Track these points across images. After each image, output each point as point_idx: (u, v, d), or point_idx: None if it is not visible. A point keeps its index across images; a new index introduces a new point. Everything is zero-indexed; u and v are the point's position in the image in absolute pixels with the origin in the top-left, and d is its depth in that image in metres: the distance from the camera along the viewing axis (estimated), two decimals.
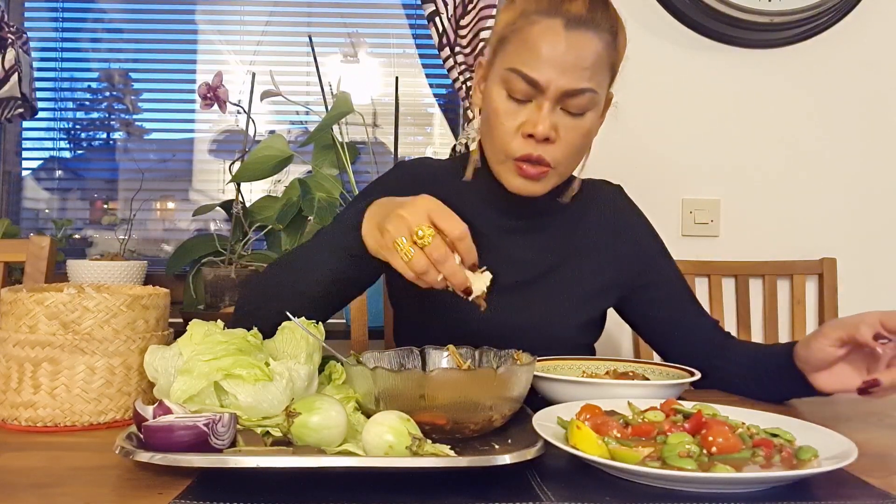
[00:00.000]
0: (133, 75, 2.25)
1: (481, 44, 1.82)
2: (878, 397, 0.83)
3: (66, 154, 2.25)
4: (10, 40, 1.87)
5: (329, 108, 1.91)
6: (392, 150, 2.04)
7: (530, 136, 0.98)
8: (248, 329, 0.82)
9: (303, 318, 0.83)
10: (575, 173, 1.13)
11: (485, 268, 0.83)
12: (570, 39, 0.96)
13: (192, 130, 2.23)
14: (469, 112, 1.92)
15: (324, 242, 0.98)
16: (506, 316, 1.08)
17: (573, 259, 1.13)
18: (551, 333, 1.09)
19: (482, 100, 1.07)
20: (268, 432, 0.72)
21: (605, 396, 0.82)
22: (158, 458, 0.61)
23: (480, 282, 0.83)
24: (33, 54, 2.00)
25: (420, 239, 0.78)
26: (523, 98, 0.99)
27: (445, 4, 1.85)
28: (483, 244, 1.10)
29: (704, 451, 0.65)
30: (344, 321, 1.88)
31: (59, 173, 2.24)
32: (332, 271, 0.95)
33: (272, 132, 2.13)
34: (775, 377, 1.00)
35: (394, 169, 1.20)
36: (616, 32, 1.01)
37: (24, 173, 2.23)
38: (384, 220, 0.82)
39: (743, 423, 0.71)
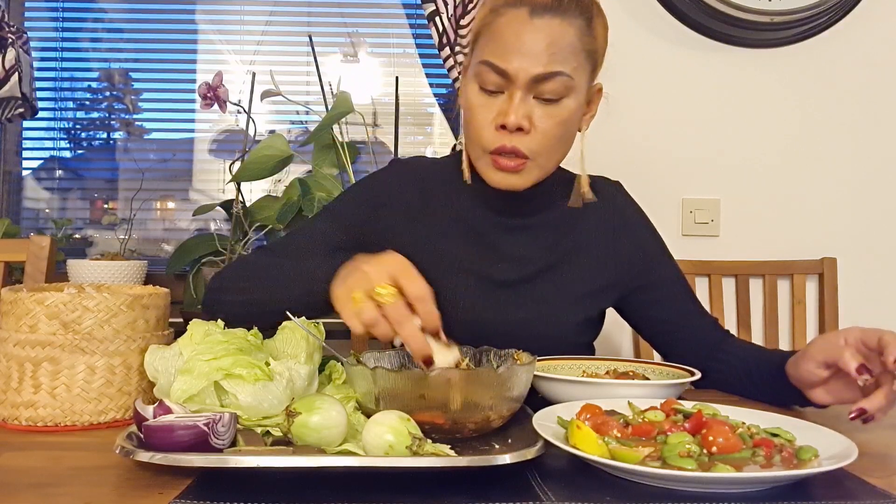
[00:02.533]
0: (133, 75, 2.25)
1: None
2: (871, 423, 0.82)
3: (67, 154, 2.25)
4: (10, 40, 1.87)
5: (329, 107, 1.91)
6: (392, 149, 2.04)
7: (503, 127, 0.97)
8: (214, 312, 0.81)
9: (303, 317, 0.84)
10: (577, 172, 1.14)
11: (455, 345, 0.77)
12: (536, 26, 0.96)
13: (192, 130, 2.23)
14: None
15: (300, 275, 0.97)
16: (502, 314, 1.08)
17: (572, 258, 1.12)
18: (549, 332, 1.09)
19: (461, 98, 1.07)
20: (268, 432, 0.73)
21: (605, 396, 0.82)
22: (158, 458, 0.61)
23: (446, 356, 0.76)
24: (33, 54, 2.00)
25: (379, 297, 0.75)
26: (495, 90, 0.99)
27: (445, 4, 1.86)
28: (480, 242, 1.11)
29: (704, 451, 0.65)
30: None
31: (59, 173, 2.24)
32: (300, 303, 0.93)
33: (272, 132, 2.13)
34: (771, 385, 0.99)
35: (388, 166, 1.19)
36: (591, 18, 1.00)
37: (25, 173, 2.23)
38: (347, 274, 0.82)
39: (743, 423, 0.71)
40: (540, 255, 1.11)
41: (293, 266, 1.01)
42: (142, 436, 0.66)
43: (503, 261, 1.10)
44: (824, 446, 0.67)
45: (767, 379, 1.00)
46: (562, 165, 1.15)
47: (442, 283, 1.10)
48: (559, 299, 1.10)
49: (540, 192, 1.08)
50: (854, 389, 0.86)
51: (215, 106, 1.82)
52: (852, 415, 0.80)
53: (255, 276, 1.04)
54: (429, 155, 2.22)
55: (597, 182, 1.18)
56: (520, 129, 0.97)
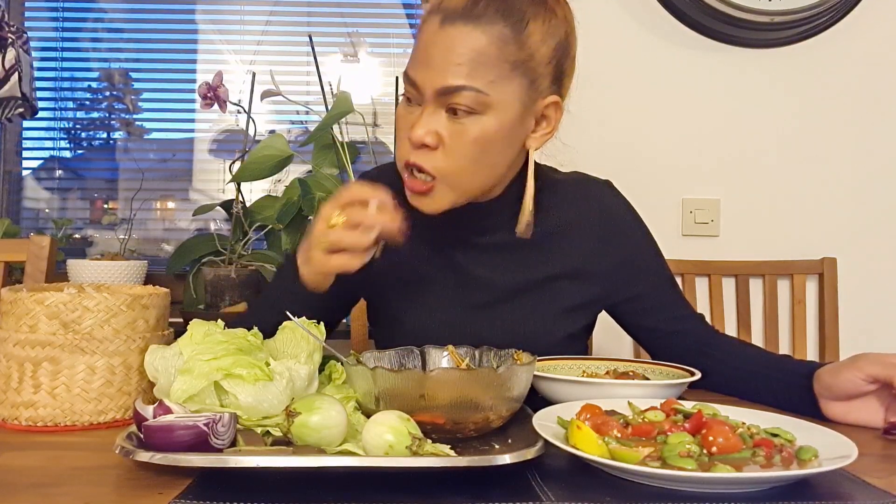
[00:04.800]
0: (133, 75, 2.25)
1: None
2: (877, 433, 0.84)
3: (67, 154, 2.25)
4: (10, 40, 1.87)
5: (329, 107, 1.91)
6: (392, 149, 2.04)
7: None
8: None
9: (303, 318, 0.83)
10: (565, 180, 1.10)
11: None
12: (446, 35, 0.89)
13: (192, 130, 2.23)
14: None
15: (275, 301, 1.01)
16: (478, 338, 1.00)
17: (552, 275, 1.06)
18: (532, 350, 1.05)
19: None
20: (268, 432, 0.73)
21: (605, 396, 0.82)
22: (158, 458, 0.61)
23: None
24: (33, 54, 2.00)
25: (336, 223, 0.84)
26: (414, 101, 0.94)
27: None
28: (450, 263, 1.06)
29: (704, 451, 0.65)
30: (344, 321, 1.88)
31: (59, 173, 2.24)
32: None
33: (272, 132, 2.13)
34: (779, 391, 0.97)
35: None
36: (521, 25, 0.90)
37: (25, 173, 2.23)
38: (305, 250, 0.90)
39: (743, 423, 0.71)
40: (515, 275, 1.06)
41: (272, 289, 1.05)
42: (142, 436, 0.66)
43: (476, 282, 1.06)
44: (824, 446, 0.67)
45: (779, 383, 0.97)
46: (553, 166, 1.12)
47: (413, 315, 1.06)
48: (539, 320, 1.05)
49: (501, 206, 1.02)
50: (874, 415, 0.87)
51: (215, 106, 1.82)
52: (886, 428, 0.82)
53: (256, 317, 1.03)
54: None
55: (582, 182, 1.13)
56: (424, 145, 0.91)
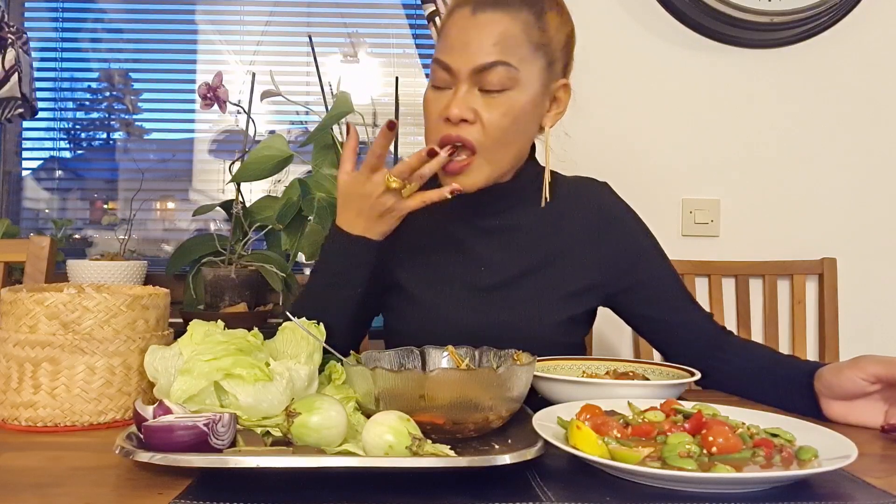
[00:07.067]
0: (133, 75, 2.25)
1: None
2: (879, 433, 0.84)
3: (66, 154, 2.25)
4: (10, 40, 1.87)
5: (329, 108, 1.91)
6: (392, 150, 2.04)
7: (448, 120, 0.99)
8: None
9: (303, 318, 0.84)
10: (559, 171, 1.13)
11: None
12: (479, 21, 0.99)
13: (192, 130, 2.23)
14: None
15: (333, 273, 1.03)
16: (485, 318, 1.07)
17: (553, 260, 1.10)
18: (533, 334, 1.07)
19: None
20: (268, 432, 0.73)
21: (605, 396, 0.82)
22: (158, 458, 0.61)
23: None
24: (33, 54, 2.00)
25: (400, 186, 0.93)
26: (444, 86, 1.01)
27: (445, 4, 1.86)
28: (459, 249, 1.11)
29: (704, 451, 0.65)
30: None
31: (59, 173, 2.24)
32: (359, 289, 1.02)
33: (272, 132, 2.13)
34: (782, 389, 0.98)
35: None
36: (541, 12, 1.02)
37: (24, 173, 2.23)
38: (369, 214, 0.99)
39: (743, 423, 0.71)
40: (520, 258, 1.10)
41: (320, 280, 1.06)
42: (142, 436, 0.66)
43: (483, 266, 1.10)
44: (824, 446, 0.67)
45: (783, 382, 0.98)
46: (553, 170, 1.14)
47: (425, 293, 1.10)
48: (541, 301, 1.09)
49: (511, 189, 1.08)
50: (875, 416, 0.87)
51: (215, 106, 1.82)
52: (885, 429, 0.83)
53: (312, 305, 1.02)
54: None
55: (583, 183, 1.17)
56: (464, 120, 0.98)
